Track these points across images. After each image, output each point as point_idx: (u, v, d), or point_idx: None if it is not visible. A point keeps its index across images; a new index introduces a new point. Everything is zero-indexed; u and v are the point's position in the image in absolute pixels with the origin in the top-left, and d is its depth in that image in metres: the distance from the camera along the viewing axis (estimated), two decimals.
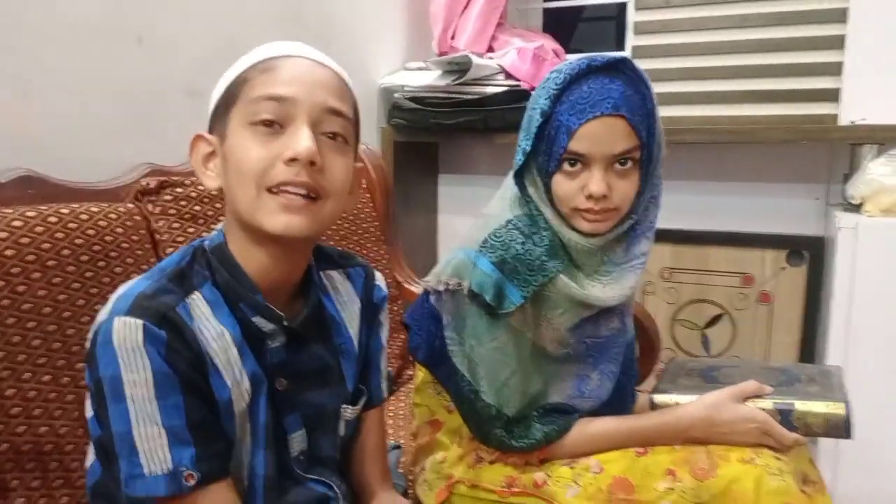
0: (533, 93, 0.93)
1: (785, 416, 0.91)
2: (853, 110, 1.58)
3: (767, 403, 0.92)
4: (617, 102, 0.86)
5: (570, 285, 0.92)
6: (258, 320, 0.74)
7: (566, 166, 0.89)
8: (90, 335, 0.69)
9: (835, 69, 1.64)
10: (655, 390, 1.00)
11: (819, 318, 1.71)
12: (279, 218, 0.69)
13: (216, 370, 0.70)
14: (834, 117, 1.62)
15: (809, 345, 1.73)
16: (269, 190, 0.69)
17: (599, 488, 0.91)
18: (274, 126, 0.69)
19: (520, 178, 0.94)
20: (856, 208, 1.48)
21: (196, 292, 0.71)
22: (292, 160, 0.68)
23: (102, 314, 0.68)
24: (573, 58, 0.91)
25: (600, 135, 0.87)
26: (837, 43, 1.63)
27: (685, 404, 0.95)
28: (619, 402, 1.04)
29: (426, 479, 1.02)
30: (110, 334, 0.65)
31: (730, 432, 0.91)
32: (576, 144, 0.87)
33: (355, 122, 0.76)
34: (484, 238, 0.92)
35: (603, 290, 0.94)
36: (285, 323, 0.75)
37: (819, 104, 1.68)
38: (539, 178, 0.93)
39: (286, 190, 0.69)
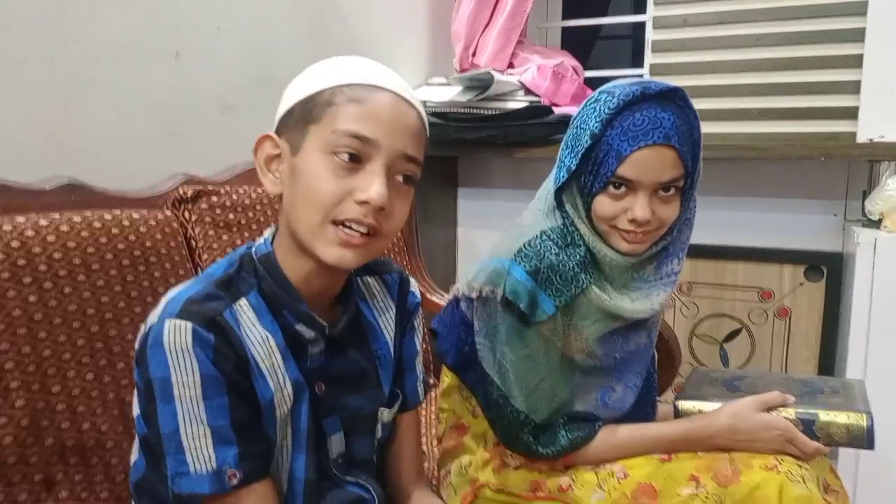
0: (580, 110, 0.95)
1: (808, 426, 0.92)
2: (871, 128, 1.59)
3: (790, 413, 0.93)
4: (668, 132, 0.88)
5: (602, 297, 0.94)
6: (301, 328, 0.76)
7: (611, 189, 0.91)
8: (140, 336, 0.71)
9: (853, 87, 1.66)
10: (680, 396, 1.01)
11: (837, 333, 1.71)
12: (335, 251, 0.71)
13: (260, 374, 0.72)
14: (852, 135, 1.64)
15: (828, 359, 1.73)
16: (334, 222, 0.71)
17: (624, 493, 0.92)
18: (353, 161, 0.70)
19: (558, 192, 0.97)
20: (874, 224, 1.50)
21: (243, 299, 0.73)
22: (364, 202, 0.70)
23: (153, 317, 0.70)
24: (624, 82, 0.93)
25: (649, 163, 0.89)
26: (856, 62, 1.65)
27: (709, 413, 0.96)
28: (640, 413, 1.06)
29: (451, 483, 1.04)
30: (161, 336, 0.67)
31: (753, 440, 0.92)
32: (624, 170, 0.89)
33: (424, 157, 0.77)
34: (518, 248, 0.93)
35: (632, 304, 0.96)
36: (327, 332, 0.77)
37: (837, 122, 1.70)
38: (579, 195, 0.95)
39: (350, 226, 0.71)
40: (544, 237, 0.94)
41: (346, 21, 1.71)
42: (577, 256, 0.94)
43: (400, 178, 0.73)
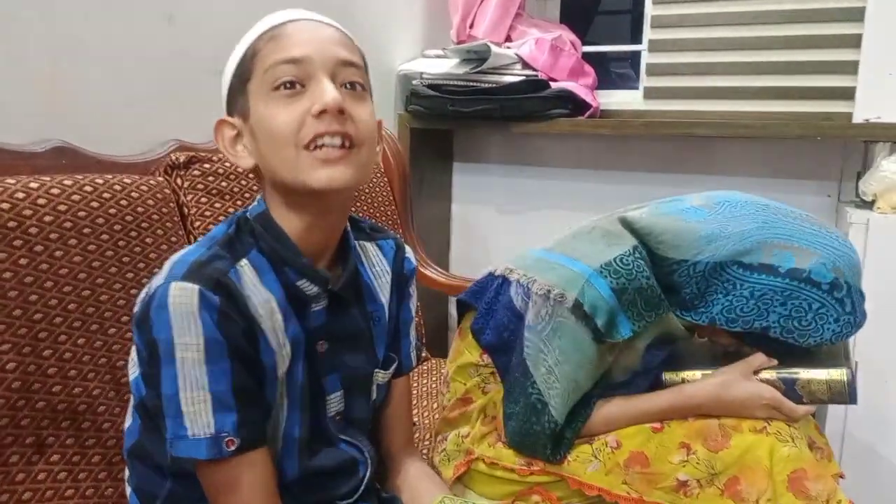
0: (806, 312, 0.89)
1: (789, 386, 0.93)
2: (868, 108, 1.58)
3: (771, 374, 0.94)
4: None
5: (674, 318, 0.94)
6: (303, 283, 0.76)
7: None
8: (142, 298, 0.70)
9: (850, 67, 1.64)
10: (665, 367, 1.02)
11: None
12: (321, 172, 0.70)
13: (263, 336, 0.72)
14: (848, 115, 1.63)
15: None
16: (307, 147, 0.70)
17: (617, 463, 0.93)
18: (295, 87, 0.71)
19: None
20: (868, 205, 1.50)
21: (244, 259, 0.73)
22: (322, 112, 0.69)
23: (157, 279, 0.70)
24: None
25: None
26: (854, 41, 1.63)
27: (695, 383, 0.97)
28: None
29: (446, 450, 1.04)
30: (166, 298, 0.66)
31: (740, 408, 0.93)
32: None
33: (367, 72, 0.78)
34: (608, 260, 0.90)
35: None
36: (329, 286, 0.77)
37: (834, 102, 1.69)
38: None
39: (323, 143, 0.70)
40: (637, 255, 0.91)
41: None
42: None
43: (349, 85, 0.73)
